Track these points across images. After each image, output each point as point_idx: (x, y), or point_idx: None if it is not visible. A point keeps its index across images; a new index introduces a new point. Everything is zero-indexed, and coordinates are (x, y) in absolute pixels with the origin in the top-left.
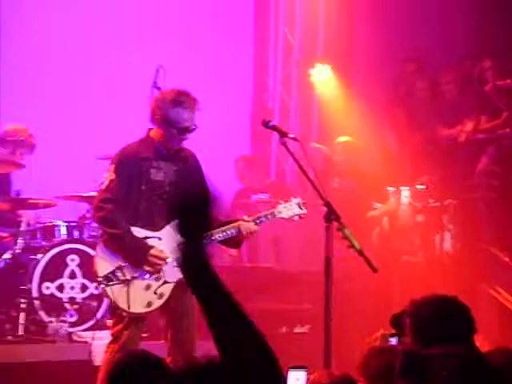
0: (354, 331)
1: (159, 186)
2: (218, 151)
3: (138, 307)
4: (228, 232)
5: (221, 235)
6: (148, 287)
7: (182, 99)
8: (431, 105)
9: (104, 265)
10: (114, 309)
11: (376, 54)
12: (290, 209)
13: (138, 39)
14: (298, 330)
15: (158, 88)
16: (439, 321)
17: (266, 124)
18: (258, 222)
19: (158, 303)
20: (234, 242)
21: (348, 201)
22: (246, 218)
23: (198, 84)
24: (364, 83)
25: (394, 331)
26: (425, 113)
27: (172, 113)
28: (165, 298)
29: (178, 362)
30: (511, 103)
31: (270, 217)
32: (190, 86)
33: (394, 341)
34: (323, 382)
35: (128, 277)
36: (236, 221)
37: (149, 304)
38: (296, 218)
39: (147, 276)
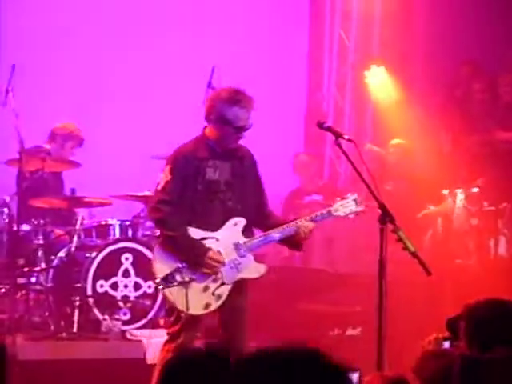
0: (406, 335)
1: (215, 185)
2: (271, 152)
3: (196, 309)
4: (286, 230)
5: (279, 234)
6: (206, 289)
7: (238, 98)
8: (488, 107)
9: (162, 267)
10: (171, 309)
11: (432, 55)
12: (346, 206)
13: (194, 38)
14: (349, 332)
15: (213, 88)
16: (495, 324)
17: (320, 125)
18: (314, 219)
19: (215, 304)
20: (295, 242)
21: (401, 203)
22: (305, 217)
23: (253, 84)
24: (420, 85)
25: (446, 335)
26: (481, 115)
27: (229, 112)
28: (222, 300)
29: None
30: None
31: (326, 215)
32: (245, 86)
33: (446, 344)
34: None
35: (186, 278)
36: (293, 220)
37: (207, 305)
38: (352, 215)
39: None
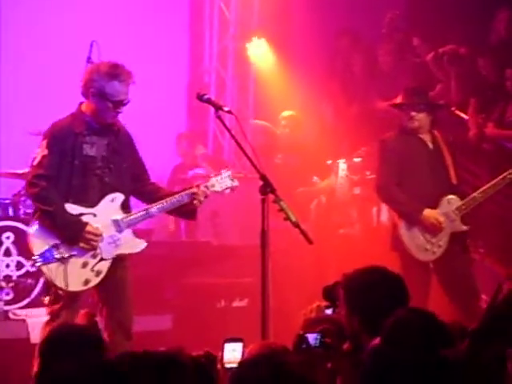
0: (293, 304)
1: (92, 161)
2: (154, 125)
3: (75, 285)
4: (166, 205)
5: (156, 209)
6: (85, 265)
7: (117, 72)
8: (367, 77)
9: (40, 243)
10: (50, 287)
11: (312, 27)
12: (221, 182)
13: (73, 13)
14: (236, 303)
15: (92, 63)
16: (372, 291)
17: (200, 97)
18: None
19: (95, 280)
20: (188, 211)
21: (291, 175)
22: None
23: (133, 58)
24: (301, 57)
25: (329, 303)
26: (361, 85)
27: (107, 86)
28: (102, 275)
29: (114, 337)
30: (451, 72)
31: (204, 190)
32: (125, 61)
33: (329, 312)
34: (258, 352)
35: (65, 255)
36: (177, 193)
37: (86, 282)
38: (228, 190)
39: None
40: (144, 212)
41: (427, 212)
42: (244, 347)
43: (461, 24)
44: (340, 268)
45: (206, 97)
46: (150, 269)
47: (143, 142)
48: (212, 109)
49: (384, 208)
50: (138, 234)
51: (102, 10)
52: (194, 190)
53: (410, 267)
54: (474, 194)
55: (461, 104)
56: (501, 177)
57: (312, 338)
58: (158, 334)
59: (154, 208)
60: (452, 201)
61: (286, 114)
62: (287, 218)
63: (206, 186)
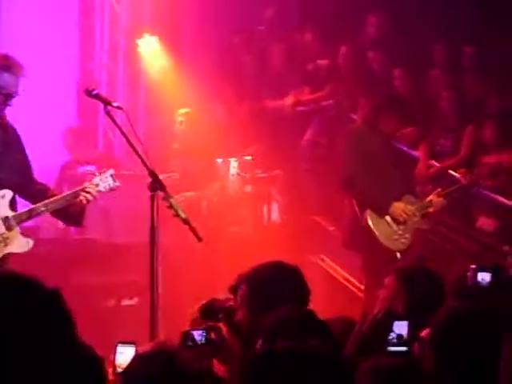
0: (183, 302)
1: None
2: (44, 123)
3: None
4: (54, 203)
5: (44, 208)
6: None
7: (7, 64)
8: (258, 77)
9: None
10: None
11: (204, 25)
12: (105, 181)
13: None
14: (126, 302)
15: None
16: (273, 285)
17: (89, 93)
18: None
19: None
20: (75, 214)
21: (188, 173)
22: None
23: (22, 53)
24: (192, 55)
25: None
26: (252, 84)
27: None
28: None
29: None
30: (332, 78)
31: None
32: (15, 54)
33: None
34: (147, 350)
35: None
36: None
37: None
38: (109, 190)
39: None
40: (31, 210)
41: (396, 203)
42: (136, 349)
43: (350, 18)
44: (231, 266)
45: (94, 92)
46: (34, 267)
47: (32, 139)
48: (102, 105)
49: (275, 207)
50: (24, 231)
51: None
52: (82, 187)
53: (375, 260)
54: (430, 197)
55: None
56: None
57: (197, 334)
58: None
59: (43, 206)
60: (412, 200)
61: (182, 110)
62: (177, 215)
63: (92, 185)
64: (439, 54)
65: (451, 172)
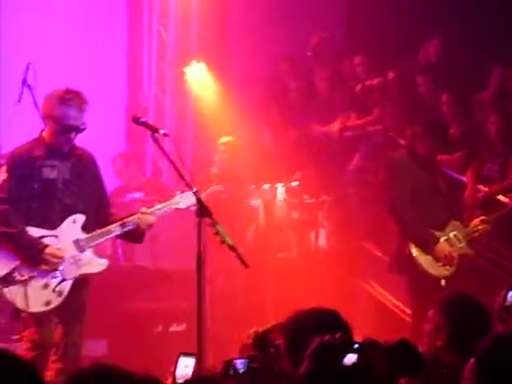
0: (231, 328)
1: (52, 184)
2: (93, 148)
3: (36, 306)
4: (127, 225)
5: (118, 229)
6: (46, 286)
7: (68, 97)
8: (305, 103)
9: (0, 266)
10: (18, 313)
11: (251, 52)
12: (187, 198)
13: (10, 35)
14: (173, 328)
15: (28, 85)
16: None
17: (136, 120)
18: (154, 212)
19: (57, 301)
20: (135, 236)
21: (228, 200)
22: (143, 209)
23: (71, 81)
24: (239, 82)
25: (268, 328)
26: (299, 110)
27: (57, 109)
28: (64, 296)
29: (66, 356)
30: (381, 101)
31: (166, 208)
32: (63, 84)
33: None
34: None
35: (25, 277)
36: (133, 215)
37: (47, 303)
38: (193, 207)
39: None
40: (103, 232)
41: (440, 244)
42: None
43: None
44: (278, 292)
45: (141, 120)
46: None
47: None
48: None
49: (322, 232)
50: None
51: (38, 32)
52: (139, 217)
53: (421, 286)
54: (475, 222)
55: (397, 129)
56: None
57: (239, 363)
58: (92, 359)
59: (115, 228)
60: (458, 225)
61: (224, 139)
62: (223, 242)
63: (170, 204)
64: (495, 79)
65: (499, 197)
